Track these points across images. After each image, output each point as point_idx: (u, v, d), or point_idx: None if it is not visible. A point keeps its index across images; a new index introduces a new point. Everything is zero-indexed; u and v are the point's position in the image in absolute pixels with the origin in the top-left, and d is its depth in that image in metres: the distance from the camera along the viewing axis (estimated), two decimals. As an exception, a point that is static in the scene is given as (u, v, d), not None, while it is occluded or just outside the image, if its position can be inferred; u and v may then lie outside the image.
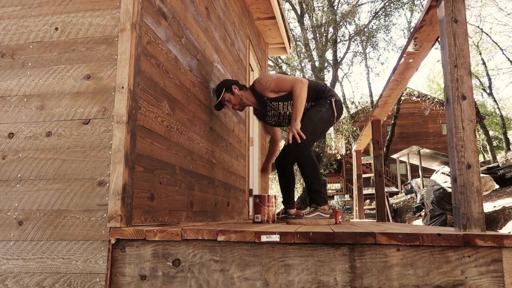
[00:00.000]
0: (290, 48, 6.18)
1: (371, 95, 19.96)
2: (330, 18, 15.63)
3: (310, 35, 16.50)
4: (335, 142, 22.70)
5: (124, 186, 1.61)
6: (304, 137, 2.40)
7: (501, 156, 17.82)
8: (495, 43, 21.08)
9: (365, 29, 16.44)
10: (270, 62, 16.07)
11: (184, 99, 2.33)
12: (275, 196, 2.55)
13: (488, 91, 21.14)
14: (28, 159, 1.73)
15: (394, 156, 16.49)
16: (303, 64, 16.40)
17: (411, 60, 2.57)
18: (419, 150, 14.41)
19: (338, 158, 19.26)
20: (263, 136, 5.22)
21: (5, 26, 1.88)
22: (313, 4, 16.48)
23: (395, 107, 17.70)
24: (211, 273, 1.52)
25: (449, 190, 6.29)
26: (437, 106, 22.11)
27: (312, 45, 16.51)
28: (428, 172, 17.97)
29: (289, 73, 16.68)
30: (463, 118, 1.54)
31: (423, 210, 8.94)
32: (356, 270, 1.44)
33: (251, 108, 4.96)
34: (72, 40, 1.81)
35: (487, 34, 20.80)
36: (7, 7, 1.90)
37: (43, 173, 1.71)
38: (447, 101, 1.59)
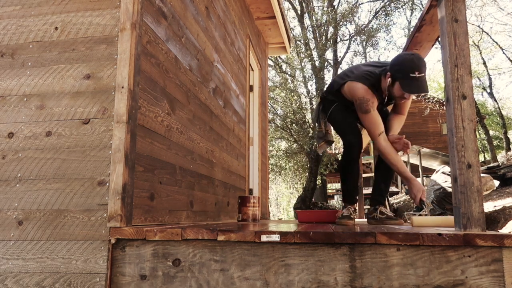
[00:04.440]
0: (290, 47, 6.18)
1: (371, 95, 19.90)
2: (330, 17, 15.63)
3: (310, 35, 16.49)
4: (335, 142, 22.70)
5: (124, 185, 1.61)
6: None
7: (501, 156, 17.81)
8: (496, 42, 21.05)
9: (365, 29, 16.43)
10: (270, 62, 16.07)
11: (184, 98, 2.32)
12: (257, 198, 2.74)
13: (488, 90, 21.13)
14: (28, 159, 1.73)
15: (394, 155, 16.44)
16: (303, 64, 16.39)
17: (411, 60, 2.56)
18: (419, 150, 14.40)
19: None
20: (263, 136, 5.21)
21: (5, 26, 1.88)
22: (313, 3, 16.47)
23: (395, 107, 17.64)
24: (211, 273, 1.52)
25: (450, 189, 6.29)
26: (437, 105, 22.11)
27: (312, 44, 16.49)
28: (428, 171, 17.95)
29: (289, 73, 16.68)
30: (464, 117, 1.54)
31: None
32: (356, 270, 1.44)
33: (255, 107, 4.96)
34: (72, 39, 1.80)
35: (487, 34, 20.78)
36: (6, 6, 1.90)
37: (43, 172, 1.71)
38: (448, 100, 1.59)
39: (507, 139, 19.25)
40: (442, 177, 6.59)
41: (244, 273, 1.50)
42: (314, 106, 15.88)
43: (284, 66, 17.01)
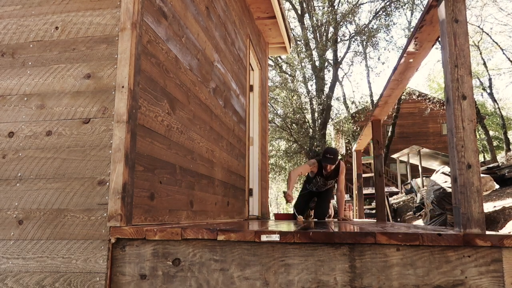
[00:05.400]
0: (290, 47, 6.18)
1: (371, 95, 19.94)
2: (331, 17, 15.63)
3: (310, 35, 16.49)
4: (335, 142, 22.69)
5: (124, 185, 1.61)
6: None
7: (501, 156, 17.81)
8: (496, 43, 21.05)
9: (366, 29, 16.43)
10: (270, 62, 16.06)
11: (184, 98, 2.33)
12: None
13: (488, 91, 21.13)
14: (28, 158, 1.73)
15: (394, 156, 16.48)
16: (303, 64, 16.40)
17: (411, 60, 2.57)
18: (419, 150, 14.40)
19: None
20: (263, 136, 5.22)
21: (6, 25, 1.88)
22: (313, 3, 16.47)
23: (395, 107, 17.69)
24: (211, 273, 1.52)
25: (449, 190, 6.29)
26: (437, 106, 22.10)
27: (313, 44, 16.49)
28: (428, 172, 17.95)
29: (289, 73, 16.68)
30: (464, 118, 1.54)
31: (423, 210, 8.94)
32: (356, 270, 1.44)
33: (255, 107, 4.97)
34: (73, 39, 1.80)
35: (487, 34, 20.77)
36: (7, 6, 1.90)
37: (43, 172, 1.71)
38: (448, 101, 1.59)
39: (507, 139, 19.26)
40: (442, 177, 6.58)
41: (244, 272, 1.50)
42: (314, 107, 15.88)
43: (284, 66, 17.01)
